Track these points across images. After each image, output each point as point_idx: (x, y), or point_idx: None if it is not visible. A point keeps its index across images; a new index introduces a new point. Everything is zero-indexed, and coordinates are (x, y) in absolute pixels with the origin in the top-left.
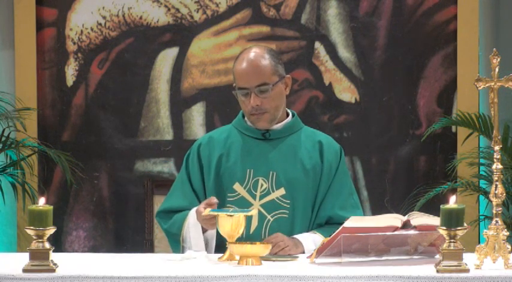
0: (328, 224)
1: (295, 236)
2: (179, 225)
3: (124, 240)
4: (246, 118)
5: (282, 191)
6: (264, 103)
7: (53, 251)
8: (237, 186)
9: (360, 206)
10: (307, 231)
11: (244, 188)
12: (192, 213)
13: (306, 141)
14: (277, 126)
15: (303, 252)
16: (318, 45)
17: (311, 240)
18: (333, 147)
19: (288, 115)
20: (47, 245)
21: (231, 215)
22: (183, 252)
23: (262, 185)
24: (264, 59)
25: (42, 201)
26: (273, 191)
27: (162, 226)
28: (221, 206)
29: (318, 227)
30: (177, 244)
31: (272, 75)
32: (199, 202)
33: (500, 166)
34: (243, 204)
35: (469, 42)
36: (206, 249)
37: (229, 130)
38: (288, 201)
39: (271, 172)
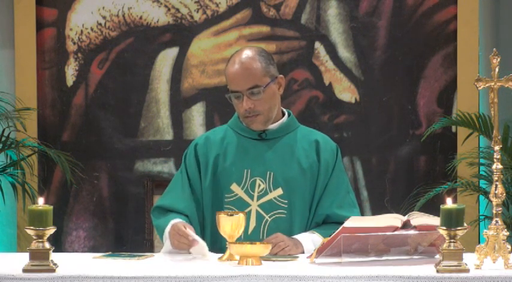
0: (325, 222)
1: (294, 236)
2: (160, 235)
3: (124, 240)
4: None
5: (279, 191)
6: (256, 105)
7: (53, 251)
8: (234, 186)
9: (356, 205)
10: (306, 230)
11: (242, 189)
12: (166, 232)
13: (303, 141)
14: (273, 126)
15: (303, 252)
16: (318, 45)
17: (310, 240)
18: (330, 146)
19: (283, 114)
20: (47, 245)
21: (231, 215)
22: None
23: (259, 185)
24: (255, 61)
25: (41, 201)
26: (271, 191)
27: (154, 222)
28: (219, 206)
29: (316, 226)
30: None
31: (263, 76)
32: (196, 204)
33: (500, 166)
34: (240, 205)
35: (469, 42)
36: None
37: (225, 130)
38: (286, 201)
39: (268, 172)
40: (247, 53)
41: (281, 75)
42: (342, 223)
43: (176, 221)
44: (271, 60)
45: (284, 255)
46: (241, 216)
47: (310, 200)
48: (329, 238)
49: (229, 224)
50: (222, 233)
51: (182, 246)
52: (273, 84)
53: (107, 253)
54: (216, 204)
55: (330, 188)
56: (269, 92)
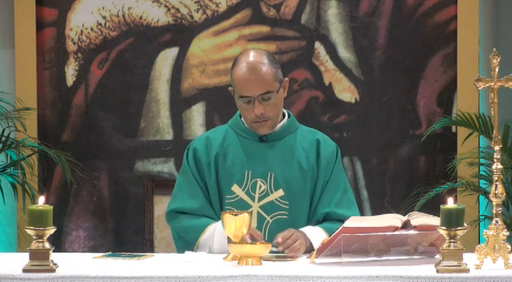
0: (325, 220)
1: (306, 234)
2: (197, 234)
3: (124, 240)
4: (242, 119)
5: (280, 192)
6: (267, 110)
7: (53, 251)
8: (235, 188)
9: (355, 203)
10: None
11: (243, 190)
12: (218, 227)
13: (303, 141)
14: (275, 128)
15: (311, 246)
16: (318, 45)
17: (316, 233)
18: (330, 146)
19: (283, 116)
20: (47, 245)
21: (236, 215)
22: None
23: (260, 187)
24: (265, 66)
25: (41, 200)
26: (272, 192)
27: (173, 227)
28: (221, 207)
29: (316, 224)
30: (186, 247)
31: (274, 81)
32: (209, 203)
33: (500, 166)
34: (241, 206)
35: (469, 42)
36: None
37: (225, 131)
38: (287, 202)
39: (269, 173)
40: (255, 57)
41: (286, 78)
42: (341, 220)
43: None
44: (277, 64)
45: (284, 255)
46: (246, 216)
47: (310, 200)
48: (329, 238)
49: (234, 224)
50: (227, 232)
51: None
52: (281, 89)
53: (107, 253)
54: (219, 204)
55: (329, 187)
56: (278, 96)
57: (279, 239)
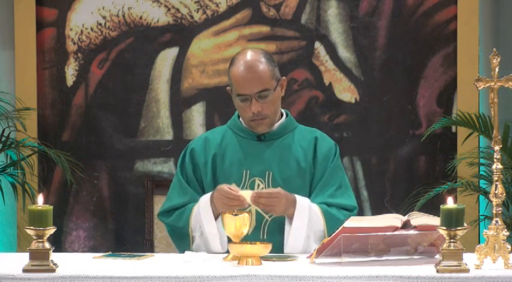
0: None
1: (297, 198)
2: (186, 217)
3: (124, 240)
4: (241, 119)
5: None
6: (264, 109)
7: (53, 251)
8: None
9: (352, 196)
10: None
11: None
12: (202, 200)
13: (301, 140)
14: (273, 127)
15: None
16: (318, 45)
17: (307, 207)
18: (327, 143)
19: (282, 115)
20: (47, 245)
21: (235, 215)
22: (192, 242)
23: (259, 185)
24: (262, 64)
25: (40, 198)
26: None
27: (166, 222)
28: None
29: None
30: (182, 238)
31: (271, 80)
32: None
33: (500, 166)
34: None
35: (469, 42)
36: (219, 235)
37: (224, 131)
38: None
39: (267, 172)
40: (253, 56)
41: (284, 77)
42: (336, 207)
43: (209, 193)
44: (274, 62)
45: (284, 255)
46: (245, 216)
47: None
48: (329, 238)
49: (234, 224)
50: (227, 232)
51: (233, 208)
52: (278, 87)
53: (107, 253)
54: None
55: (323, 182)
56: (276, 95)
57: (259, 192)
